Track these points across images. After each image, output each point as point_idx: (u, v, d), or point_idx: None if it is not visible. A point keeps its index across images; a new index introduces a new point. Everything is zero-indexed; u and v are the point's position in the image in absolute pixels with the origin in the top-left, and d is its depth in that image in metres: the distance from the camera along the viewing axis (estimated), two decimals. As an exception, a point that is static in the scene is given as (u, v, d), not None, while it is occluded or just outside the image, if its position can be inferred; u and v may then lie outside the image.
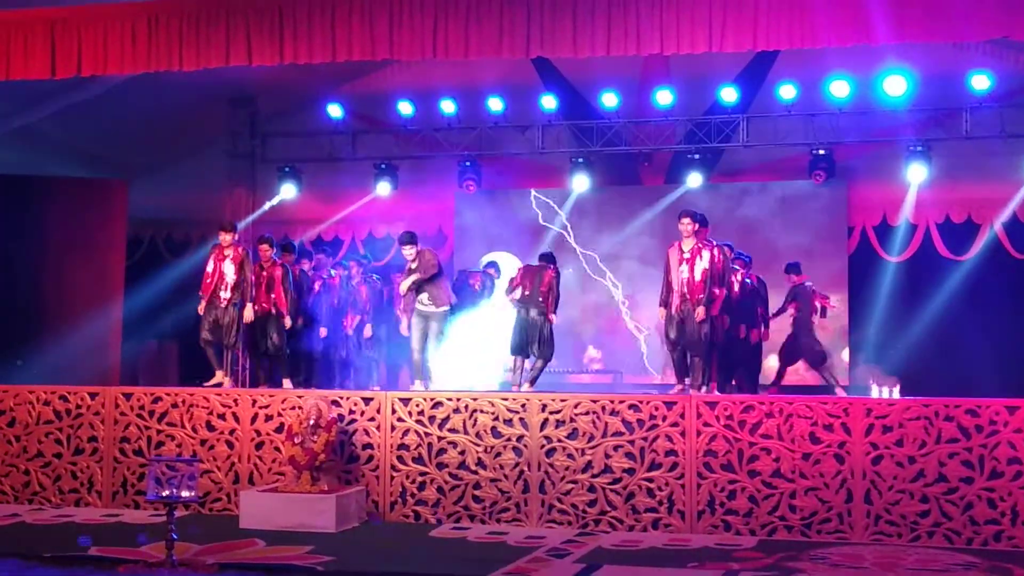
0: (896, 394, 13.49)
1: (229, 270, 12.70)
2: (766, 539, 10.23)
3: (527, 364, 12.85)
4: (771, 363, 14.77)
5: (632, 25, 11.32)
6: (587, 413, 10.91)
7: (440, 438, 11.26)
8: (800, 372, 14.77)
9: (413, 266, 12.71)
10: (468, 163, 17.05)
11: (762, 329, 13.84)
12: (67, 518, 11.37)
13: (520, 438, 11.05)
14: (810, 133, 15.79)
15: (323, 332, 14.19)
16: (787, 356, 14.31)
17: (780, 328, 14.41)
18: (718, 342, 12.08)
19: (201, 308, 12.75)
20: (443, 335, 12.77)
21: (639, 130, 16.52)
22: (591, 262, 17.48)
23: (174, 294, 16.28)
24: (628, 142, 16.60)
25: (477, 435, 11.16)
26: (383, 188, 17.28)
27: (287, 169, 17.45)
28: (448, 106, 16.49)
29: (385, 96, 16.87)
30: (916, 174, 15.61)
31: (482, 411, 11.18)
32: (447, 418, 11.27)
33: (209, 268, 12.82)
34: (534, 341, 12.69)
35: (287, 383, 12.85)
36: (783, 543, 10.03)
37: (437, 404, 11.33)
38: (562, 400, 11.05)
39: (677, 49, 11.37)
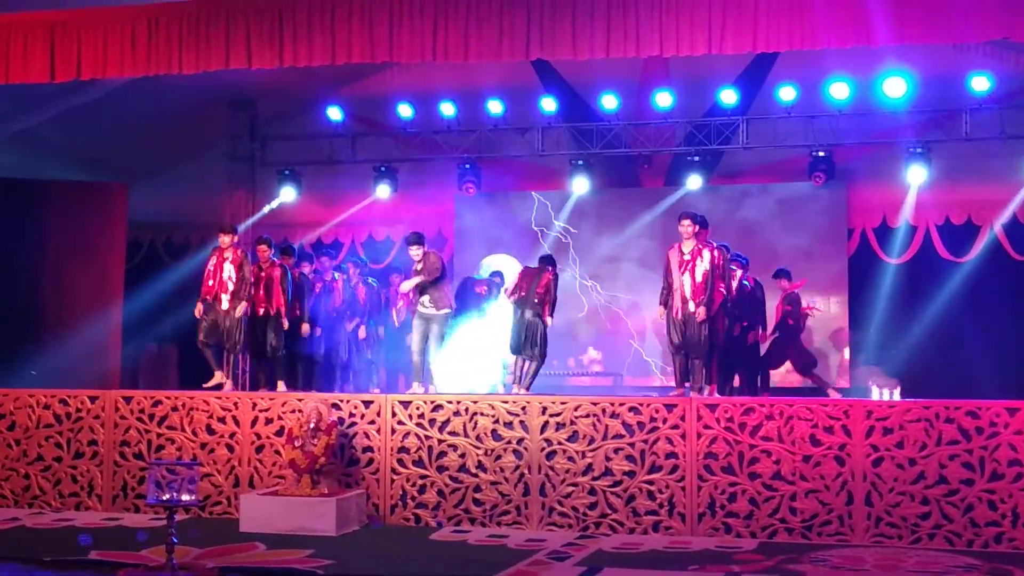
0: (896, 396, 13.49)
1: (229, 272, 12.68)
2: (767, 541, 10.23)
3: (525, 366, 12.86)
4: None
5: (632, 27, 11.31)
6: (587, 416, 10.90)
7: (440, 441, 11.25)
8: (783, 373, 14.81)
9: (418, 267, 12.72)
10: (468, 165, 17.02)
11: (760, 331, 13.84)
12: (67, 522, 11.34)
13: (520, 441, 11.05)
14: (810, 135, 15.75)
15: (314, 331, 13.95)
16: (774, 360, 14.31)
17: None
18: (718, 344, 12.08)
19: (198, 311, 12.73)
20: (443, 338, 12.76)
21: (639, 132, 16.50)
22: (590, 264, 17.44)
23: (174, 297, 16.23)
24: (628, 144, 16.56)
25: (477, 438, 11.16)
26: (383, 191, 17.25)
27: (287, 172, 17.41)
28: (448, 108, 16.46)
29: (385, 99, 16.83)
30: (916, 176, 15.56)
31: (482, 414, 11.17)
32: (447, 421, 11.26)
33: (209, 270, 12.81)
34: (528, 341, 12.69)
35: (281, 385, 12.83)
36: (784, 545, 10.03)
37: (437, 407, 11.32)
38: (562, 403, 11.04)
39: (677, 51, 11.34)
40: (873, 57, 14.36)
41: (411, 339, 13.01)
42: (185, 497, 8.61)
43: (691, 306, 11.69)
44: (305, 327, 13.66)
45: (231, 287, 12.65)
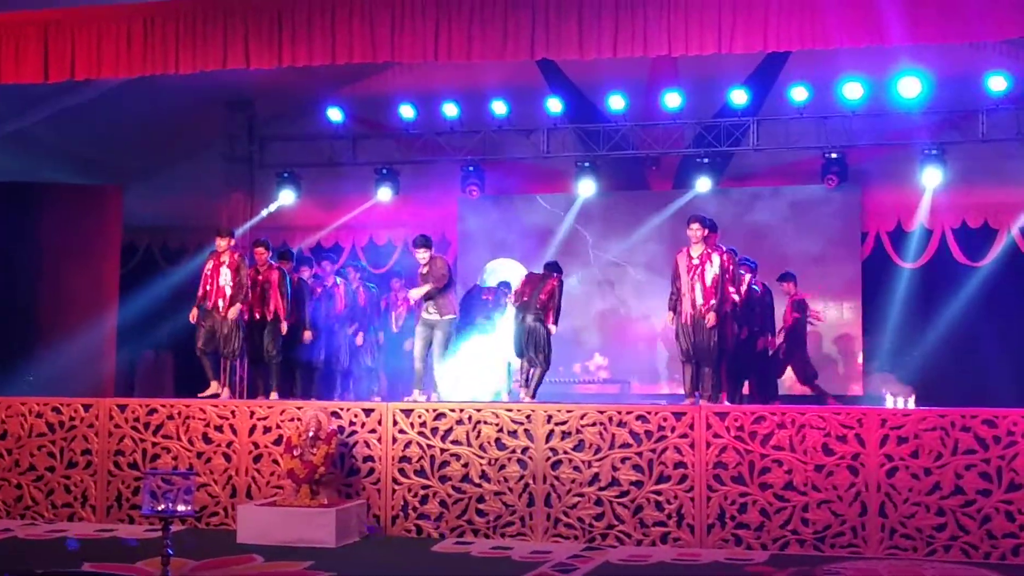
0: (911, 404, 13.35)
1: (226, 276, 12.54)
2: (778, 553, 10.14)
3: (531, 371, 12.69)
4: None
5: (639, 26, 11.23)
6: (594, 424, 10.78)
7: (443, 450, 11.13)
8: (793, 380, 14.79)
9: (424, 271, 12.59)
10: (471, 168, 16.89)
11: (769, 337, 13.77)
12: (60, 533, 11.26)
13: (525, 450, 10.92)
14: (822, 136, 15.60)
15: (314, 337, 13.85)
16: (779, 367, 14.24)
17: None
18: (728, 350, 11.93)
19: (193, 316, 12.62)
20: (447, 345, 12.63)
21: (647, 133, 16.36)
22: (597, 269, 17.24)
23: (170, 302, 16.08)
24: (635, 146, 16.43)
25: (481, 447, 11.04)
26: (384, 193, 17.08)
27: (286, 174, 17.29)
28: (451, 109, 16.31)
29: (386, 99, 16.72)
30: (931, 178, 15.40)
31: (486, 422, 11.06)
32: (450, 430, 11.14)
33: (205, 275, 12.68)
34: (530, 347, 12.53)
35: (274, 394, 12.67)
36: (795, 558, 9.95)
37: (440, 415, 11.20)
38: (568, 411, 10.92)
39: (685, 50, 11.25)
40: (887, 56, 14.23)
41: (411, 344, 12.83)
42: (181, 508, 8.48)
43: (700, 312, 11.51)
44: (307, 334, 13.57)
45: (228, 292, 12.52)
